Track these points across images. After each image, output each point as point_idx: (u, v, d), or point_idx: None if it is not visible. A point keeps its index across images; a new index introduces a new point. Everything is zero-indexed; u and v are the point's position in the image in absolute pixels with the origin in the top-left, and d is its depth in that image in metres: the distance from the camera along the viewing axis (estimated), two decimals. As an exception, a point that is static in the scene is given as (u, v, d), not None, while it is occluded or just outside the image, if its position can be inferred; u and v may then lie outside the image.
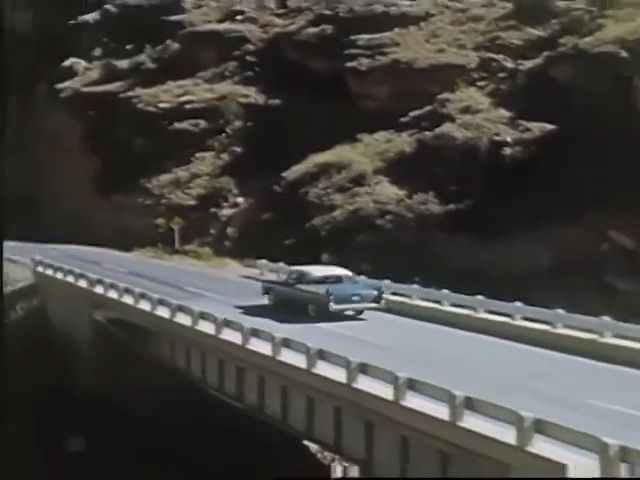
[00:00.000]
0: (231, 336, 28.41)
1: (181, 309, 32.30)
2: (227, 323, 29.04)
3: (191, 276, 45.28)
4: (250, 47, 69.56)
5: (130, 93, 69.57)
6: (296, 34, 66.87)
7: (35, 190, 75.14)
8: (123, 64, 73.73)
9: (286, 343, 25.56)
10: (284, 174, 55.06)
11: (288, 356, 25.23)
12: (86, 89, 73.57)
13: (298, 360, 24.51)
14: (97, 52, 79.34)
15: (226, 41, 70.44)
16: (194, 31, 72.84)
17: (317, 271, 34.24)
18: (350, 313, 32.57)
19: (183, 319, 31.79)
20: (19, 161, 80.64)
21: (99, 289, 39.31)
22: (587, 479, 15.80)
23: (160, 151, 63.20)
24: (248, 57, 68.82)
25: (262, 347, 26.51)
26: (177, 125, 64.83)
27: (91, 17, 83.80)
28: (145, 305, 34.74)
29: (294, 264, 39.60)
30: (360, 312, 32.60)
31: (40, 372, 40.24)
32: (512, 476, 17.33)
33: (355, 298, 32.16)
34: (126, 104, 68.58)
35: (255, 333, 27.28)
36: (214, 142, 63.81)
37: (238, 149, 62.49)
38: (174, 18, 74.98)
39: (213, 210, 58.29)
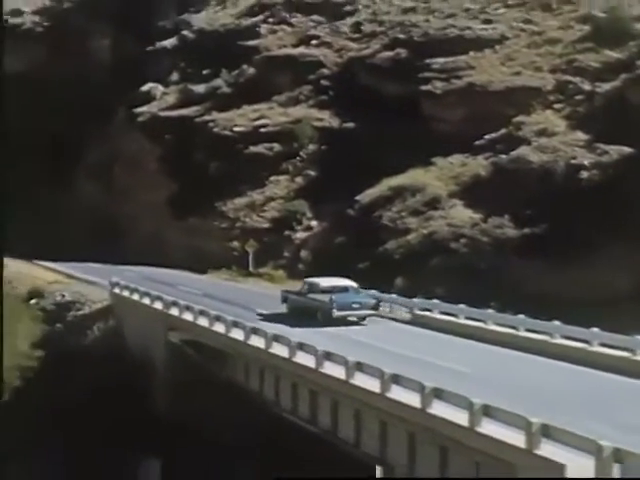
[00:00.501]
0: (305, 359, 28.40)
1: (255, 332, 32.42)
2: (301, 346, 29.04)
3: (265, 299, 45.39)
4: (325, 71, 69.93)
5: (206, 117, 70.43)
6: (370, 58, 67.03)
7: (113, 212, 76.37)
8: (199, 88, 74.75)
9: (360, 367, 25.47)
10: (358, 197, 55.05)
11: (362, 380, 25.12)
12: (163, 113, 74.70)
13: (372, 384, 24.39)
14: (174, 77, 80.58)
15: (301, 65, 70.94)
16: (269, 56, 73.54)
17: (325, 282, 38.03)
18: (352, 319, 36.42)
19: (257, 341, 31.89)
20: (98, 183, 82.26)
21: (174, 311, 39.67)
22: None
23: (235, 174, 63.76)
24: (323, 81, 69.18)
25: (335, 370, 26.44)
26: (252, 149, 65.37)
27: (169, 43, 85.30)
28: (220, 327, 34.94)
29: (368, 288, 39.59)
30: (363, 318, 36.67)
31: (116, 392, 40.64)
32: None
33: (355, 306, 36.47)
34: (202, 128, 69.44)
35: (329, 356, 27.23)
36: (288, 165, 64.15)
37: (312, 172, 62.71)
38: (250, 43, 75.82)
39: (287, 233, 58.48)
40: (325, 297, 36.55)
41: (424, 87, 60.06)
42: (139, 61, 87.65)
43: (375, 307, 36.95)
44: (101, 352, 44.23)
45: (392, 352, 30.08)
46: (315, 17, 77.32)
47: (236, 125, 67.96)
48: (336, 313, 35.91)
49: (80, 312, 49.69)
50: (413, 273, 45.42)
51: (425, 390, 22.01)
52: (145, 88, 79.92)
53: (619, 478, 16.23)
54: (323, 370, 27.18)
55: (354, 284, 38.09)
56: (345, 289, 37.61)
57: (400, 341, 33.01)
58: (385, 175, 54.72)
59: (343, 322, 35.79)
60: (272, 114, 68.05)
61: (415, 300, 39.14)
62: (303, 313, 37.46)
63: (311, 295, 37.58)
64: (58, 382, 42.13)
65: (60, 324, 49.16)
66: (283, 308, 39.28)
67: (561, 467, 17.48)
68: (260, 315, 38.06)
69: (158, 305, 41.57)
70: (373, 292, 38.69)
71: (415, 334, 35.41)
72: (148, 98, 78.60)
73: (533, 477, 16.64)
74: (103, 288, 50.65)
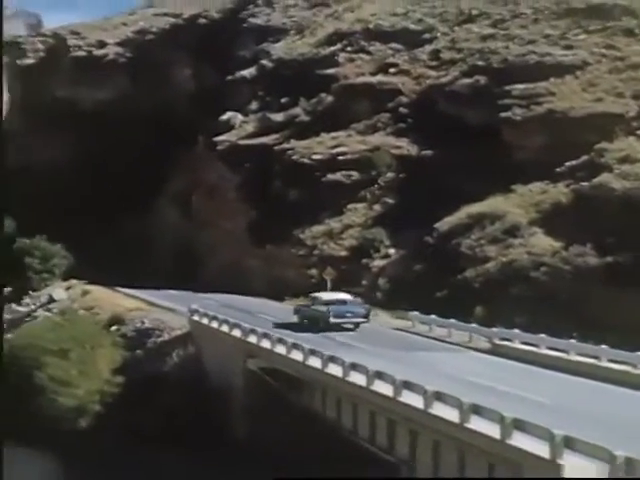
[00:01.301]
0: (383, 388, 28.21)
1: (332, 360, 32.33)
2: (379, 375, 28.87)
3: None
4: (403, 99, 69.90)
5: (285, 145, 70.92)
6: (449, 85, 66.82)
7: (193, 240, 77.26)
8: (278, 117, 75.36)
9: (438, 396, 25.19)
10: (436, 225, 54.72)
11: (440, 410, 24.83)
12: (242, 142, 75.43)
13: (451, 414, 24.09)
14: (253, 106, 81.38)
15: (379, 93, 71.04)
16: (347, 84, 73.83)
17: (326, 295, 45.58)
18: (347, 326, 43.15)
19: (334, 370, 31.79)
20: (178, 211, 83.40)
21: (252, 338, 39.83)
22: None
23: (313, 202, 63.94)
24: (401, 109, 69.14)
25: (414, 400, 26.19)
26: (330, 176, 65.52)
27: (248, 72, 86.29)
28: (297, 355, 34.96)
29: (447, 317, 39.29)
30: (356, 325, 43.19)
31: (195, 419, 40.88)
32: None
33: (348, 314, 43.32)
34: (281, 156, 69.92)
35: (407, 386, 27.01)
36: (366, 193, 64.09)
37: (390, 200, 62.54)
38: (328, 71, 76.24)
39: (365, 261, 58.31)
40: (324, 308, 43.42)
41: (503, 114, 59.61)
42: (219, 90, 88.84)
43: (366, 316, 43.55)
44: (180, 378, 44.58)
45: (471, 382, 29.70)
46: (393, 45, 77.44)
47: (314, 153, 68.24)
48: (332, 320, 42.87)
49: (160, 339, 50.15)
50: (492, 302, 44.87)
51: (505, 421, 21.66)
52: (225, 117, 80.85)
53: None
54: (401, 399, 26.96)
55: (351, 297, 45.32)
56: (343, 302, 44.48)
57: (479, 371, 32.60)
58: (464, 203, 54.30)
59: (339, 328, 42.74)
60: (350, 142, 68.19)
61: (494, 329, 38.73)
62: (309, 321, 44.54)
63: (314, 306, 44.42)
64: (138, 408, 42.53)
65: (140, 350, 49.66)
66: (295, 318, 45.78)
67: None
68: (274, 324, 44.11)
69: (236, 333, 41.80)
70: (365, 305, 45.12)
71: (495, 364, 34.98)
72: (228, 127, 79.48)
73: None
74: (182, 315, 51.08)
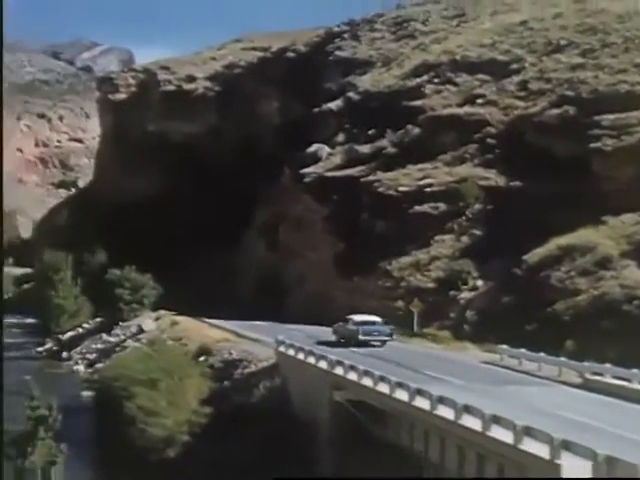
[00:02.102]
0: (471, 422, 27.80)
1: (420, 393, 32.02)
2: (467, 409, 28.47)
3: (429, 359, 44.91)
4: (490, 130, 69.49)
5: (371, 177, 71.03)
6: (537, 116, 66.23)
7: (279, 271, 77.65)
8: (365, 149, 75.58)
9: (528, 431, 24.72)
10: (525, 257, 54.03)
11: (530, 445, 24.35)
12: (329, 174, 75.79)
13: (541, 449, 23.60)
14: (340, 138, 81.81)
15: (466, 124, 70.77)
16: (434, 115, 73.75)
17: (358, 317, 50.80)
18: (375, 343, 48.93)
19: (422, 403, 31.48)
20: (265, 243, 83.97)
21: (339, 370, 39.70)
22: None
23: (400, 234, 63.80)
24: (488, 140, 68.73)
25: (503, 435, 25.75)
26: (417, 208, 65.36)
27: (334, 104, 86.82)
28: (384, 387, 34.71)
29: (536, 350, 38.64)
30: (383, 342, 49.03)
31: (281, 450, 40.83)
32: None
33: (375, 333, 49.57)
34: (367, 188, 70.04)
35: (496, 420, 26.58)
36: (454, 225, 63.72)
37: (478, 232, 62.04)
38: (415, 103, 76.29)
39: (452, 293, 57.84)
40: (355, 327, 49.77)
41: (593, 144, 58.81)
42: (306, 123, 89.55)
43: (390, 335, 49.82)
44: (267, 410, 44.59)
45: (563, 417, 29.10)
46: (480, 76, 77.18)
47: (401, 185, 68.21)
48: (361, 337, 49.15)
49: (247, 370, 50.34)
50: (583, 335, 43.98)
51: (597, 458, 21.12)
52: (311, 149, 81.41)
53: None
54: (490, 434, 26.52)
55: (378, 319, 50.80)
56: (372, 322, 50.43)
57: (571, 406, 31.91)
58: (553, 234, 53.55)
59: (366, 344, 48.47)
60: (437, 173, 68.00)
61: (585, 364, 37.92)
62: (344, 339, 50.72)
63: (348, 326, 50.61)
64: (225, 439, 42.67)
65: (228, 381, 49.91)
66: (333, 337, 52.12)
67: None
68: (317, 342, 49.67)
69: (323, 364, 41.71)
70: (389, 326, 50.68)
71: (586, 399, 34.21)
72: (314, 159, 80.00)
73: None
74: (269, 346, 51.24)
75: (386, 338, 49.72)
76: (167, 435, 44.65)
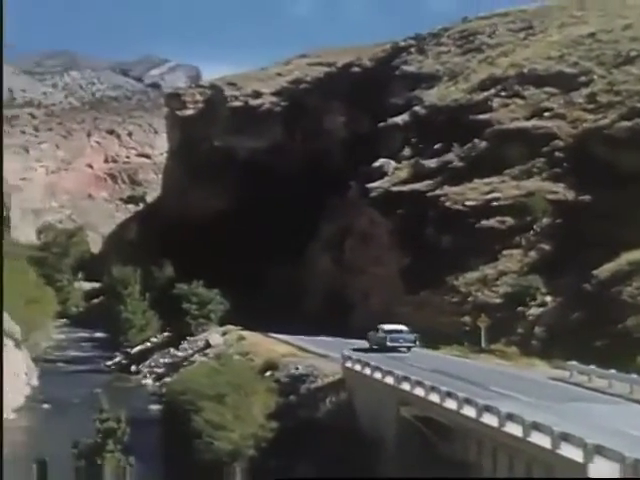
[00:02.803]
0: (540, 440, 27.40)
1: (488, 409, 31.68)
2: (535, 426, 28.07)
3: (497, 376, 44.40)
4: (559, 143, 68.76)
5: (438, 191, 70.70)
6: (607, 129, 65.38)
7: (345, 285, 77.58)
8: (431, 163, 75.30)
9: (599, 450, 24.27)
10: (595, 272, 53.24)
11: (600, 463, 23.90)
12: (395, 188, 75.64)
13: (611, 467, 23.15)
14: (406, 152, 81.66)
15: (534, 138, 70.13)
16: (501, 129, 73.23)
17: (387, 326, 56.46)
18: (402, 349, 54.69)
19: (490, 419, 31.12)
20: (330, 257, 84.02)
21: (405, 386, 39.47)
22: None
23: (467, 248, 63.35)
24: (556, 153, 68.01)
25: (573, 453, 25.32)
26: (484, 222, 64.86)
27: (400, 119, 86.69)
28: (451, 404, 34.41)
29: (606, 367, 37.99)
30: (408, 348, 54.71)
31: (347, 466, 40.68)
32: None
33: (401, 340, 55.33)
34: (434, 202, 69.72)
35: (566, 438, 26.16)
36: (521, 239, 63.06)
37: (546, 246, 61.32)
38: (481, 117, 75.84)
39: (520, 309, 57.16)
40: (384, 335, 55.73)
41: (665, 157, 57.83)
42: (371, 137, 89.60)
43: (414, 341, 55.13)
44: (333, 425, 44.50)
45: (634, 436, 28.53)
46: (548, 89, 76.50)
47: (468, 199, 67.78)
48: (389, 344, 54.83)
49: (313, 385, 50.31)
50: (655, 352, 43.13)
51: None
52: (377, 164, 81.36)
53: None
54: (559, 451, 26.11)
55: (405, 328, 56.15)
56: (399, 331, 55.95)
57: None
58: (623, 249, 52.73)
59: (394, 349, 54.12)
60: (504, 187, 67.43)
61: (658, 381, 37.17)
62: (376, 345, 56.01)
63: (378, 334, 56.31)
64: (291, 454, 42.67)
65: (294, 396, 49.92)
66: (367, 344, 56.91)
67: None
68: (352, 348, 52.86)
69: (389, 380, 41.52)
70: (414, 334, 55.59)
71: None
72: (380, 173, 79.92)
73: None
74: (335, 361, 51.17)
75: (411, 344, 55.37)
76: (233, 449, 44.77)
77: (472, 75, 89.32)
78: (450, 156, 74.39)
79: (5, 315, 68.29)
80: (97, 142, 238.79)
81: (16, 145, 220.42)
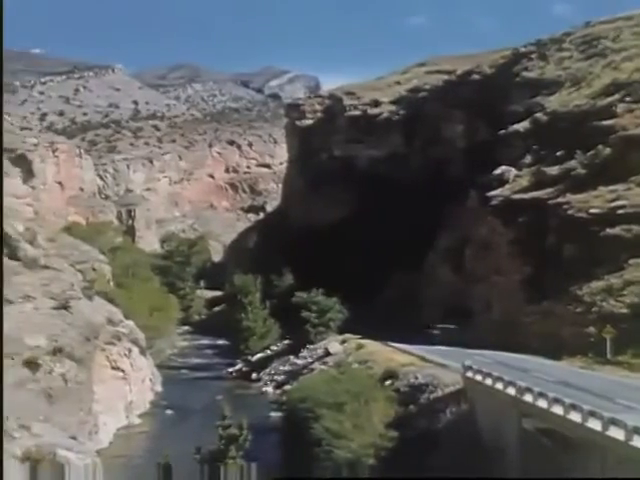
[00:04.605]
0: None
1: (613, 422, 30.85)
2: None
3: (623, 388, 43.20)
4: (687, 149, 66.63)
5: (560, 199, 69.31)
6: None
7: (464, 295, 76.84)
8: (553, 170, 73.93)
9: None
10: None
11: None
12: (516, 196, 74.54)
13: None
14: (527, 159, 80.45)
15: (661, 143, 68.13)
16: (626, 135, 71.32)
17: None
18: None
19: (615, 433, 30.31)
20: (449, 266, 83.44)
21: (528, 397, 38.80)
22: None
23: (590, 257, 61.87)
24: (685, 159, 65.92)
25: None
26: (609, 231, 63.21)
27: (521, 126, 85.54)
28: (575, 416, 33.65)
29: None
30: None
31: (466, 478, 40.21)
32: None
33: None
34: (555, 210, 68.38)
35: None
36: (648, 248, 61.24)
37: (677, 255, 59.37)
38: (605, 123, 74.09)
39: (648, 319, 55.50)
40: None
41: None
42: (491, 145, 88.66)
43: None
44: (453, 436, 44.09)
45: None
46: (675, 93, 74.29)
47: (592, 207, 66.21)
48: None
49: (433, 395, 49.96)
50: None
51: None
52: (498, 171, 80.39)
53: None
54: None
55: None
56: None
57: None
58: None
59: None
60: (630, 195, 65.61)
61: None
62: None
63: None
64: (411, 464, 42.42)
65: (413, 406, 49.69)
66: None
67: None
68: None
69: (511, 391, 40.88)
70: None
71: None
72: (501, 181, 78.90)
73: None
74: (455, 371, 50.69)
75: None
76: (353, 458, 44.80)
77: (595, 80, 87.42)
78: (573, 163, 72.84)
79: (130, 322, 70.13)
80: (218, 153, 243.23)
81: (141, 157, 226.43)
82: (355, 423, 47.10)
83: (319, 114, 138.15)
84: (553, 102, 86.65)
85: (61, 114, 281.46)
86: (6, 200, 79.19)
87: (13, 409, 40.59)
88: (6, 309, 54.28)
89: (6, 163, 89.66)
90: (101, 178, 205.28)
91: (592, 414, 32.57)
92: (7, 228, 66.54)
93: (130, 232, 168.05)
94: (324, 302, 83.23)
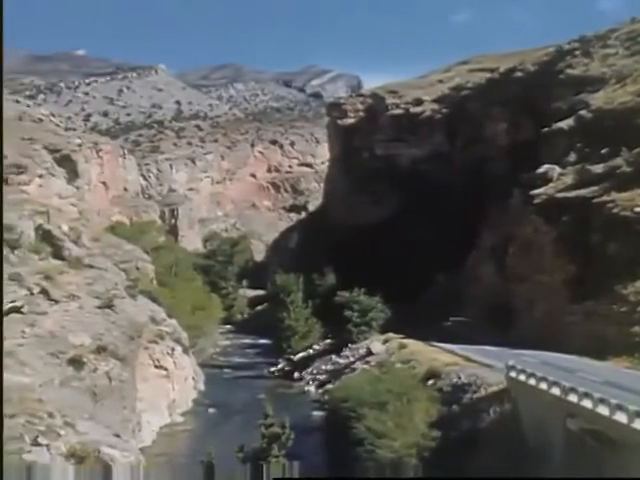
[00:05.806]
0: None
1: (660, 424, 30.47)
2: None
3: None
4: None
5: (605, 197, 68.53)
6: None
7: (507, 294, 76.32)
8: (598, 168, 73.13)
9: None
10: None
11: None
12: (560, 195, 73.84)
13: None
14: (571, 158, 79.68)
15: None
16: (672, 132, 70.44)
17: None
18: None
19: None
20: (492, 265, 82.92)
21: (573, 397, 38.41)
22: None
23: (635, 256, 61.12)
24: None
25: None
26: (654, 230, 62.44)
27: (565, 124, 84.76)
28: (621, 417, 33.26)
29: None
30: None
31: (510, 478, 39.92)
32: None
33: None
34: (600, 209, 67.63)
35: None
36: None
37: None
38: (650, 121, 73.24)
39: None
40: None
41: None
42: (535, 143, 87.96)
43: None
44: (497, 436, 43.79)
45: None
46: None
47: (636, 205, 65.41)
48: None
49: (476, 395, 49.65)
50: None
51: None
52: (541, 170, 79.68)
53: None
54: None
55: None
56: None
57: None
58: None
59: None
60: (676, 193, 64.82)
61: None
62: None
63: None
64: (454, 464, 42.20)
65: (456, 405, 49.42)
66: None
67: None
68: None
69: (555, 391, 40.49)
70: None
71: None
72: (544, 180, 78.19)
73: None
74: (498, 371, 50.32)
75: None
76: (395, 457, 44.64)
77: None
78: (618, 161, 71.99)
79: (173, 321, 70.50)
80: (260, 152, 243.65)
81: (183, 157, 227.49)
82: (397, 423, 46.93)
83: (361, 113, 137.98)
84: (597, 99, 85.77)
85: (105, 115, 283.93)
86: (51, 200, 79.98)
87: (58, 406, 40.96)
88: (51, 308, 54.86)
89: (51, 163, 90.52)
90: (144, 178, 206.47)
91: (638, 415, 32.18)
92: (52, 228, 67.21)
93: (173, 231, 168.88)
94: (366, 301, 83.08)
